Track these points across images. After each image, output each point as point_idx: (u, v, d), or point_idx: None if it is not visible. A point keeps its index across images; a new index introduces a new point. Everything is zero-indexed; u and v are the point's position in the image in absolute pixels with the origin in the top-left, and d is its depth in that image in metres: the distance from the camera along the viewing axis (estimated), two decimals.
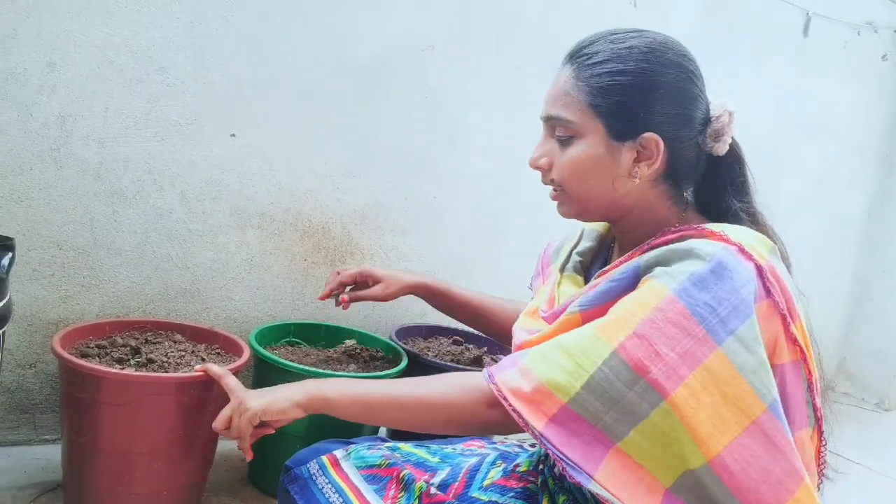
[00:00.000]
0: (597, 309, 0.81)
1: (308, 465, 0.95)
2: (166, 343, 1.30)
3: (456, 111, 1.82)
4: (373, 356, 1.50)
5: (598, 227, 1.04)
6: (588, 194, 0.87)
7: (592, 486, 0.72)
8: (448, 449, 1.04)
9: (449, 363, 1.49)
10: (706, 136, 0.87)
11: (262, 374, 1.34)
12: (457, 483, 0.92)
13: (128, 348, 1.22)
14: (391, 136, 1.73)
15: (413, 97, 1.74)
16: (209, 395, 1.13)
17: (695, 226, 0.82)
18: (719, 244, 0.76)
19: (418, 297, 1.34)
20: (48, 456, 1.36)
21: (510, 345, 0.99)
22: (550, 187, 0.91)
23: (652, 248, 0.83)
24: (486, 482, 0.93)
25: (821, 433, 0.80)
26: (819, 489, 0.80)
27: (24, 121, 1.30)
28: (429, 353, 1.57)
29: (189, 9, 1.41)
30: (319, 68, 1.59)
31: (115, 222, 1.42)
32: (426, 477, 0.92)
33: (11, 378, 1.38)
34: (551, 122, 0.88)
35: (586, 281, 0.97)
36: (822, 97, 2.67)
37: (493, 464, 0.97)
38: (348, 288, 1.33)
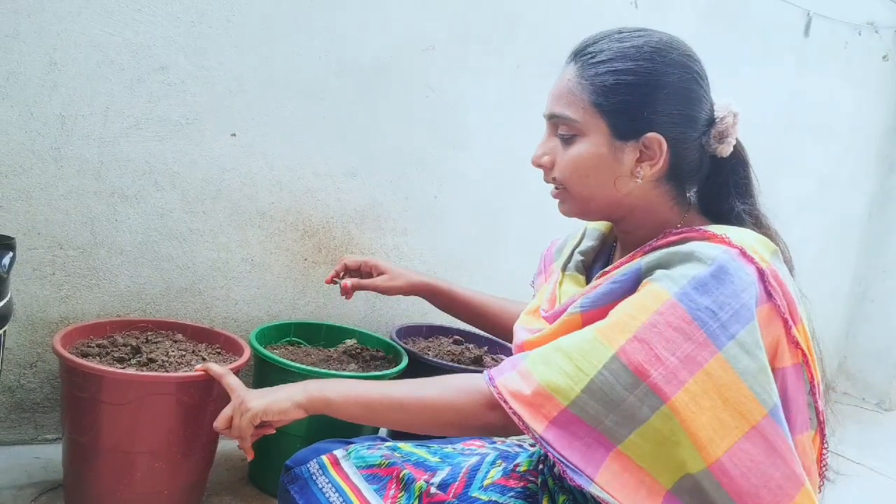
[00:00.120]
0: (597, 310, 0.81)
1: (308, 465, 0.95)
2: (167, 342, 1.29)
3: (456, 111, 1.82)
4: (373, 356, 1.50)
5: (601, 226, 1.04)
6: (590, 193, 0.87)
7: (593, 489, 0.72)
8: (448, 448, 1.04)
9: (449, 363, 1.49)
10: (710, 137, 0.86)
11: (263, 373, 1.34)
12: (457, 483, 0.92)
13: (128, 348, 1.22)
14: (392, 136, 1.73)
15: (414, 97, 1.74)
16: (210, 394, 1.13)
17: (697, 228, 0.82)
18: (721, 247, 0.76)
19: (421, 298, 1.34)
20: (49, 455, 1.36)
21: (511, 343, 1.00)
22: (552, 186, 0.91)
23: (654, 249, 0.82)
24: (487, 482, 0.93)
25: (823, 436, 0.80)
26: (820, 491, 0.80)
27: (25, 120, 1.30)
28: (429, 352, 1.57)
29: (190, 8, 1.41)
30: (320, 68, 1.59)
31: (116, 222, 1.42)
32: (426, 476, 0.92)
33: (12, 378, 1.37)
34: (554, 120, 0.88)
35: (588, 280, 0.97)
36: (822, 97, 2.67)
37: (493, 463, 0.97)
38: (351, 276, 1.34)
